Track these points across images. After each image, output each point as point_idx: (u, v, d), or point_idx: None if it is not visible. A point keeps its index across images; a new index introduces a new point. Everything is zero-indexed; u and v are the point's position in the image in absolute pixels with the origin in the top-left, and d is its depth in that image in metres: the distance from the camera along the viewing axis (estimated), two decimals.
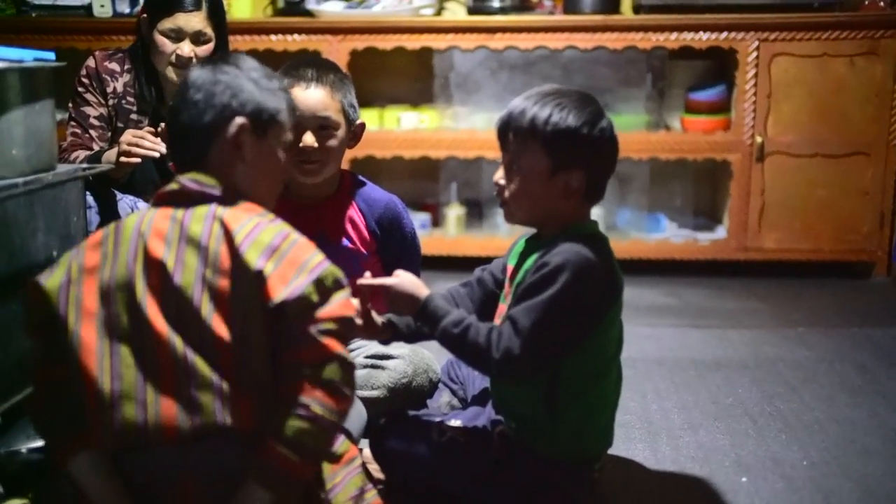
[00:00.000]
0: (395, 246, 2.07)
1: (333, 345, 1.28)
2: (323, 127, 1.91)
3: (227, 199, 1.37)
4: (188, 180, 1.37)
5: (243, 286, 1.29)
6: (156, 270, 1.31)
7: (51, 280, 1.35)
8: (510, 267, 1.74)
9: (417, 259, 2.14)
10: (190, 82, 1.41)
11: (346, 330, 1.31)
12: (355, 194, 2.03)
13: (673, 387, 2.44)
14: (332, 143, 1.92)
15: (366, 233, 2.02)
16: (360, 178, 2.08)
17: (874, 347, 2.77)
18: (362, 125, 2.01)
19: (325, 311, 1.29)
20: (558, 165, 1.61)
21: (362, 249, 2.02)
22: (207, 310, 1.29)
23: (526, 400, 1.66)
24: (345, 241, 2.00)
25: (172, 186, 1.39)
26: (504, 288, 1.75)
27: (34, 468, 1.66)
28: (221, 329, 1.28)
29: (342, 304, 1.31)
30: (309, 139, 1.89)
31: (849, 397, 2.36)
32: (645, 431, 2.14)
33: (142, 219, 1.37)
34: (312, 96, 1.90)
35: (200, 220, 1.34)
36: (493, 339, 1.56)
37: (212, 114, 1.39)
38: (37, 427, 1.44)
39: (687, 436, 2.12)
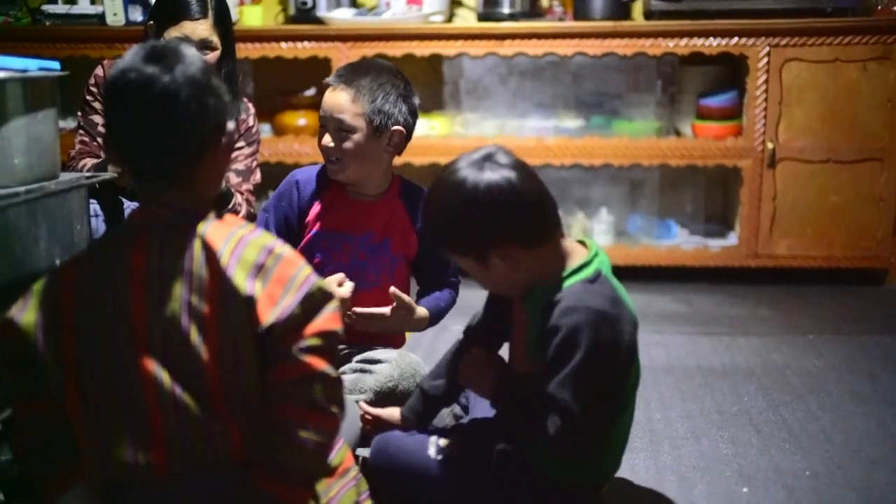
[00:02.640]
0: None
1: (316, 362, 1.25)
2: (340, 129, 1.93)
3: (204, 212, 1.31)
4: (164, 201, 1.30)
5: (233, 310, 1.25)
6: (139, 303, 1.26)
7: (26, 316, 1.28)
8: (524, 315, 1.62)
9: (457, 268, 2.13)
10: (166, 88, 1.23)
11: (331, 345, 1.27)
12: (404, 197, 2.05)
13: (679, 395, 2.42)
14: (348, 145, 1.94)
15: (412, 234, 2.04)
16: (411, 181, 2.10)
17: (885, 355, 2.74)
18: (399, 132, 1.96)
19: (309, 328, 1.25)
20: (479, 253, 1.53)
21: (404, 252, 2.04)
22: (196, 338, 1.25)
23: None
24: (389, 243, 2.03)
25: (148, 209, 1.31)
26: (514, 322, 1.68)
27: None
28: (210, 357, 1.25)
29: (328, 318, 1.27)
30: (326, 139, 1.96)
31: (856, 406, 2.33)
32: (647, 440, 2.13)
33: (118, 246, 1.31)
34: (333, 98, 1.94)
35: (181, 243, 1.27)
36: (548, 426, 1.50)
37: (211, 121, 1.28)
38: (19, 463, 1.36)
39: (689, 445, 2.10)
